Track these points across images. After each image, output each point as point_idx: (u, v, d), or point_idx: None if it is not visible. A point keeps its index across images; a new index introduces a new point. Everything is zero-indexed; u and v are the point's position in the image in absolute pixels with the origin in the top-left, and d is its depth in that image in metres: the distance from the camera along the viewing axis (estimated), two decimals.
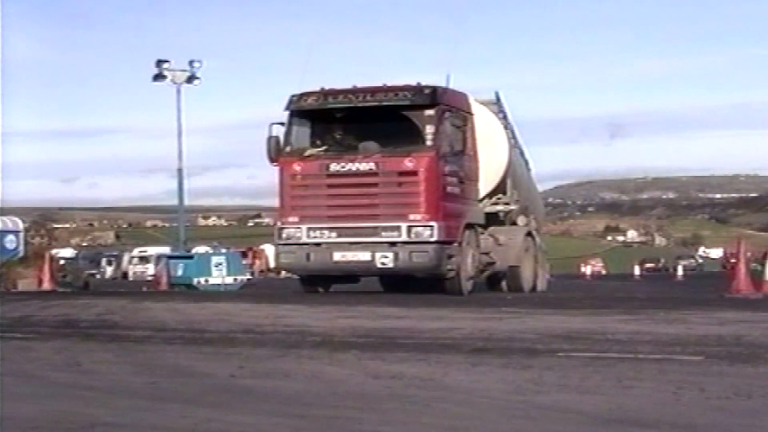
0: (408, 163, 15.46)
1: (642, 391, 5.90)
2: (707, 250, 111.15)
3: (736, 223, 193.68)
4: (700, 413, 5.20)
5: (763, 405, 5.46)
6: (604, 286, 31.50)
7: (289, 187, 16.03)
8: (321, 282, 16.50)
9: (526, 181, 20.61)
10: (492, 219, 17.67)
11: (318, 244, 15.69)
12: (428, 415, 5.34)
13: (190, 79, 41.36)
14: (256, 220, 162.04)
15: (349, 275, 16.64)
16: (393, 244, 15.32)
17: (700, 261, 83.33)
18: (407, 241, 15.27)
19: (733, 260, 24.38)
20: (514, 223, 18.55)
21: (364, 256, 15.47)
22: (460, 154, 16.24)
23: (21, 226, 41.02)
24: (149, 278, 31.13)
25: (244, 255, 44.43)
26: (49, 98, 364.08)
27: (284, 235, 15.93)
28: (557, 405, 5.49)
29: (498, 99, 18.82)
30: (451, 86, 16.58)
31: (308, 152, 16.02)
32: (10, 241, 38.48)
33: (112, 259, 58.56)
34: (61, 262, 34.01)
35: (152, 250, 54.60)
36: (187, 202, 47.02)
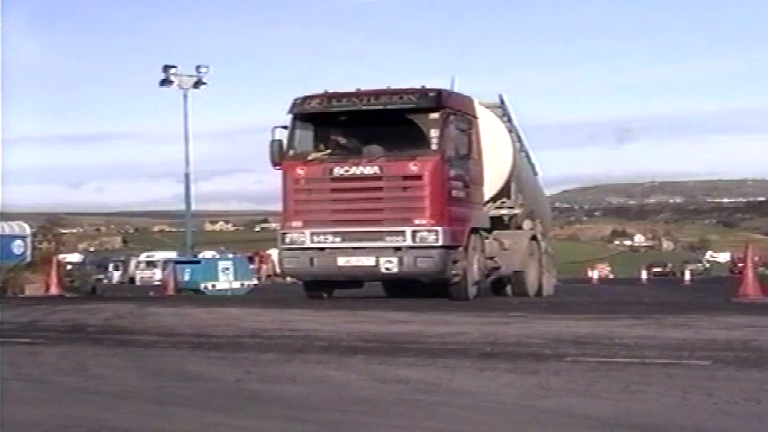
0: (413, 167, 15.38)
1: (649, 395, 5.88)
2: (714, 255, 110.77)
3: (744, 227, 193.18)
4: (708, 418, 5.19)
5: None
6: (611, 291, 31.49)
7: (292, 191, 15.95)
8: (325, 287, 16.41)
9: (532, 185, 20.53)
10: (497, 223, 17.58)
11: (322, 249, 15.63)
12: (435, 419, 5.34)
13: (197, 84, 41.40)
14: (263, 225, 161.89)
15: (353, 280, 16.57)
16: (397, 248, 15.24)
17: (708, 265, 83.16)
18: (412, 246, 15.19)
19: (740, 264, 24.37)
20: (519, 227, 18.48)
21: (368, 260, 15.41)
22: (465, 157, 16.16)
23: (28, 231, 41.13)
24: (156, 283, 31.19)
25: (251, 260, 44.54)
26: (56, 103, 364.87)
27: (287, 240, 15.85)
28: (564, 410, 5.48)
29: (502, 102, 18.72)
30: (456, 89, 16.55)
31: (312, 156, 15.94)
32: (17, 246, 38.58)
33: (120, 264, 58.64)
34: (69, 267, 34.00)
35: (159, 255, 54.62)
36: (194, 206, 47.07)
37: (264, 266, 50.24)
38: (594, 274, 54.39)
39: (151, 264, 52.41)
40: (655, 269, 68.48)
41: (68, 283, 23.82)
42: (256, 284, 33.61)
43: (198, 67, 41.56)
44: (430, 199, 15.25)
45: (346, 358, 7.86)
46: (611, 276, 63.31)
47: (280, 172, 16.06)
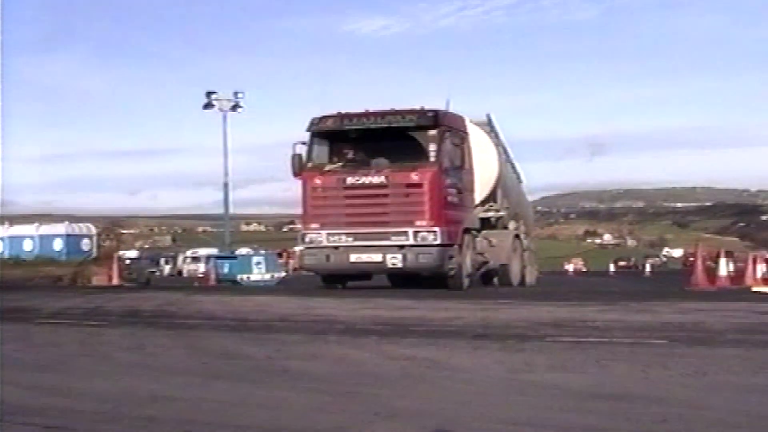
0: (414, 177, 15.39)
1: (617, 369, 5.88)
2: (670, 251, 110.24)
3: (694, 227, 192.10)
4: (665, 388, 5.19)
5: (718, 381, 5.44)
6: (584, 282, 31.44)
7: (311, 198, 15.96)
8: (339, 280, 16.41)
9: (516, 191, 20.48)
10: (485, 224, 17.57)
11: (336, 247, 15.63)
12: (437, 390, 5.34)
13: (235, 107, 41.31)
14: (290, 226, 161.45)
15: (363, 274, 16.57)
16: (401, 246, 15.22)
17: (665, 260, 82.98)
18: (414, 244, 15.18)
19: (692, 259, 24.26)
20: (505, 227, 18.43)
21: (376, 257, 15.39)
22: (459, 168, 16.18)
23: (94, 231, 41.38)
24: (200, 275, 31.10)
25: (280, 255, 44.34)
26: (118, 124, 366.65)
27: (307, 240, 15.89)
28: (546, 382, 5.48)
29: (490, 120, 18.71)
30: (451, 110, 16.53)
31: (327, 168, 15.97)
32: (85, 244, 38.84)
33: (170, 259, 58.52)
34: (127, 261, 34.01)
35: (203, 252, 54.50)
36: (231, 210, 46.92)
37: (290, 261, 50.12)
38: (570, 268, 54.38)
39: (195, 259, 52.21)
40: (621, 263, 68.27)
41: (127, 275, 23.86)
42: (284, 276, 33.50)
43: (235, 93, 41.47)
44: (429, 204, 15.24)
45: (361, 338, 7.86)
46: (584, 269, 63.08)
47: (300, 181, 16.08)
